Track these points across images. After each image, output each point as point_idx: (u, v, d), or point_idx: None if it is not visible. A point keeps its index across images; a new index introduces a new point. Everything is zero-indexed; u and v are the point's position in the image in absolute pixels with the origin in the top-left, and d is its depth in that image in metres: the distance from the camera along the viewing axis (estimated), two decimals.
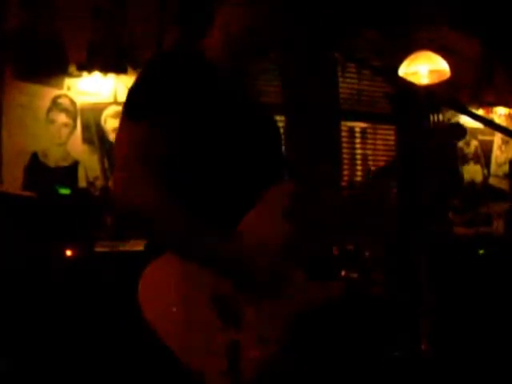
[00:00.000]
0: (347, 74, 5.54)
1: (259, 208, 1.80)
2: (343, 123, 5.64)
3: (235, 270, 1.71)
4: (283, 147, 2.17)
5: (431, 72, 4.66)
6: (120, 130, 1.79)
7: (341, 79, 5.55)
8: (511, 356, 3.81)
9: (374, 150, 5.76)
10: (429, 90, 4.57)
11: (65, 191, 3.93)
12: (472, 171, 6.06)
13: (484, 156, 6.14)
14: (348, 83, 5.59)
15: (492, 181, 6.15)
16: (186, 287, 1.68)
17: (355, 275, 3.86)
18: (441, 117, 5.74)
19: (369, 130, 5.76)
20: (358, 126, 5.72)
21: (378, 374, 3.66)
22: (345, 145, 5.64)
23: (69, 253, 3.70)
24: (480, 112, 6.05)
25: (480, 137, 6.11)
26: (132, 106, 1.81)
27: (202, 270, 1.69)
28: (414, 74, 4.65)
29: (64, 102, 4.32)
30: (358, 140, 5.73)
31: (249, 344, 1.66)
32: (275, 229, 1.78)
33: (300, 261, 1.80)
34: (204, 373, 1.60)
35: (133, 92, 1.83)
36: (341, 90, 5.57)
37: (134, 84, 1.84)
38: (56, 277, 3.54)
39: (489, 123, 2.24)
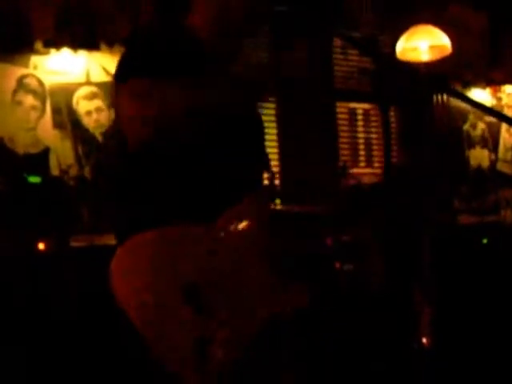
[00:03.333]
0: (349, 51, 5.47)
1: (231, 213, 1.83)
2: (344, 105, 5.57)
3: None
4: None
5: (431, 48, 4.63)
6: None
7: (341, 56, 5.49)
8: None
9: (378, 133, 5.67)
10: (423, 72, 4.55)
11: (34, 180, 3.90)
12: (479, 156, 6.04)
13: (492, 139, 6.12)
14: (349, 60, 5.52)
15: (500, 166, 6.13)
16: (158, 274, 1.73)
17: (350, 267, 3.85)
18: (445, 97, 5.76)
19: (372, 112, 5.69)
20: (361, 107, 5.66)
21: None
22: (345, 128, 5.57)
23: (41, 247, 3.67)
24: (487, 91, 6.04)
25: (487, 119, 6.08)
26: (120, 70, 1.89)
27: (178, 258, 1.74)
28: (414, 49, 4.63)
29: (31, 82, 4.24)
30: (360, 123, 5.68)
31: (218, 341, 1.71)
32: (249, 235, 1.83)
33: (276, 266, 1.84)
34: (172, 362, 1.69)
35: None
36: (341, 68, 5.51)
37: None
38: (28, 273, 3.51)
39: (483, 108, 2.19)
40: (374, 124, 5.66)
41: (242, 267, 1.79)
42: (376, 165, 5.63)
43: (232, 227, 1.81)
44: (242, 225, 1.82)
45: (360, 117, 5.68)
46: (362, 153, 5.63)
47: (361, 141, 5.65)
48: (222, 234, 1.79)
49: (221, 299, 1.74)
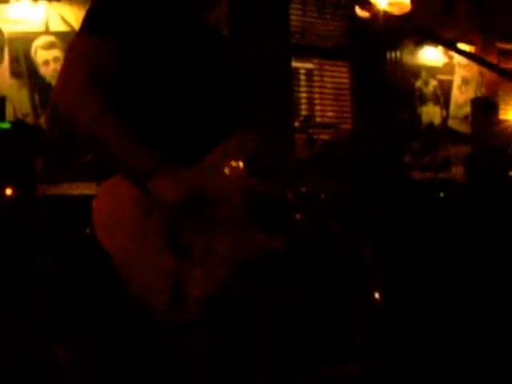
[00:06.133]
0: (294, 5, 5.59)
1: (218, 152, 1.87)
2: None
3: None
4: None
5: (391, 4, 4.72)
6: (72, 47, 1.86)
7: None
8: (468, 303, 3.98)
9: (321, 93, 5.84)
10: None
11: (4, 126, 3.89)
12: (431, 112, 6.23)
13: (443, 96, 6.29)
14: (293, 15, 5.62)
15: (451, 123, 6.31)
16: (139, 212, 1.78)
17: (307, 217, 3.97)
18: (398, 54, 5.91)
19: (315, 72, 5.83)
20: (303, 66, 5.76)
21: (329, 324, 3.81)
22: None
23: (9, 193, 3.70)
24: (439, 49, 6.17)
25: (439, 76, 6.25)
26: (90, 19, 1.87)
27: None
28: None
29: None
30: (302, 83, 5.80)
31: (193, 280, 1.78)
32: (232, 176, 1.87)
33: (253, 210, 1.90)
34: (149, 300, 1.75)
35: (91, 7, 1.90)
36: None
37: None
38: None
39: (469, 55, 2.27)
40: (316, 84, 5.82)
41: (220, 207, 1.83)
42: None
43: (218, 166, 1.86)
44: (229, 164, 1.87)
45: (303, 76, 5.78)
46: (303, 112, 5.74)
47: (303, 100, 5.76)
48: (207, 174, 1.83)
49: (197, 239, 1.79)
